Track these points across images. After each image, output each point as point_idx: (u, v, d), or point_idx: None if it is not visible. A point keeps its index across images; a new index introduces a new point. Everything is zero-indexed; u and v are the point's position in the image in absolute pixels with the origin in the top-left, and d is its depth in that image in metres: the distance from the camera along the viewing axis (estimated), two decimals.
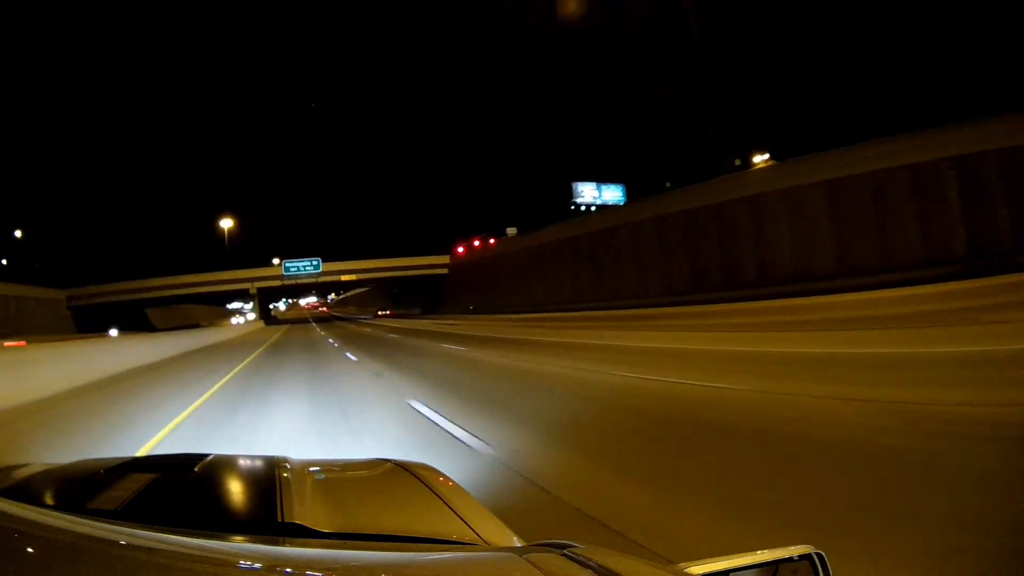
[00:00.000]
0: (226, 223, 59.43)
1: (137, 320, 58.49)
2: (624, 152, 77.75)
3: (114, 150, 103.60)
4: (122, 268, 59.83)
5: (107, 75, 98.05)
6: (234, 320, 54.58)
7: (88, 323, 52.07)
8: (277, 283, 56.67)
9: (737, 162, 42.53)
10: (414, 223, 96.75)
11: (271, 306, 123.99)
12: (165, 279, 55.65)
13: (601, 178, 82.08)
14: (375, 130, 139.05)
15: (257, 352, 18.84)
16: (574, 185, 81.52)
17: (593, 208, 65.54)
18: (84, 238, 78.63)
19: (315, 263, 55.63)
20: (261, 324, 53.34)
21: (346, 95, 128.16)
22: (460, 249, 59.05)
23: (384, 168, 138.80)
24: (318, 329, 39.39)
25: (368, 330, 32.86)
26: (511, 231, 58.83)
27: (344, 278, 57.75)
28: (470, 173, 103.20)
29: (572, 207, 74.55)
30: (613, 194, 78.82)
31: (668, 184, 44.89)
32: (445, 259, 58.68)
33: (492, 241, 57.30)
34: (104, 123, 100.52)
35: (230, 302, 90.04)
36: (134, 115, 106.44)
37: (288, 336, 31.18)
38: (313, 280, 56.65)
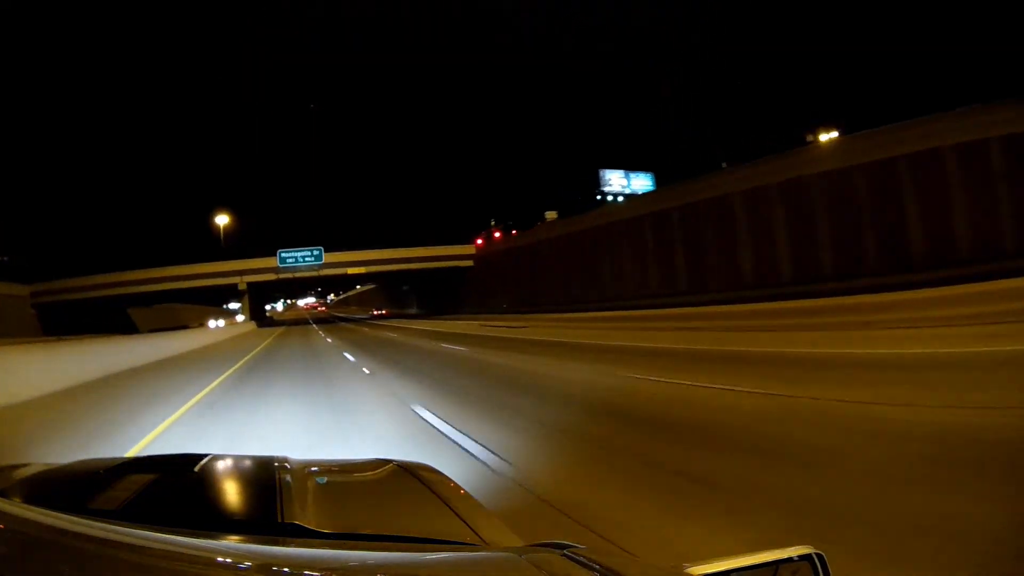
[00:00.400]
0: (222, 219, 50.17)
1: (119, 321, 49.94)
2: (652, 141, 70.95)
3: (97, 136, 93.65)
4: (103, 265, 50.60)
5: (90, 56, 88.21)
6: (212, 323, 43.80)
7: (59, 324, 43.94)
8: (272, 276, 47.11)
9: (810, 138, 35.12)
10: (427, 216, 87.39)
11: (268, 307, 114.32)
12: (139, 272, 46.37)
13: (629, 166, 75.18)
14: (386, 119, 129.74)
15: (213, 386, 9.60)
16: (601, 173, 74.39)
17: (620, 199, 57.93)
18: (60, 230, 69.53)
19: (316, 253, 46.18)
20: (253, 326, 44.07)
21: (355, 84, 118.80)
22: (479, 241, 50.05)
23: (395, 159, 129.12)
24: (320, 333, 30.04)
25: (393, 335, 23.51)
26: (551, 215, 50.14)
27: (351, 271, 48.16)
28: (488, 164, 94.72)
29: (599, 196, 67.04)
30: (642, 182, 71.80)
31: (724, 164, 35.85)
32: (469, 249, 49.28)
33: (513, 232, 49.07)
34: (86, 106, 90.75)
35: (228, 302, 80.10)
36: (120, 99, 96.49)
37: (282, 344, 21.86)
38: (314, 273, 47.10)
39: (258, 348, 19.35)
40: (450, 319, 37.70)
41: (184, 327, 42.59)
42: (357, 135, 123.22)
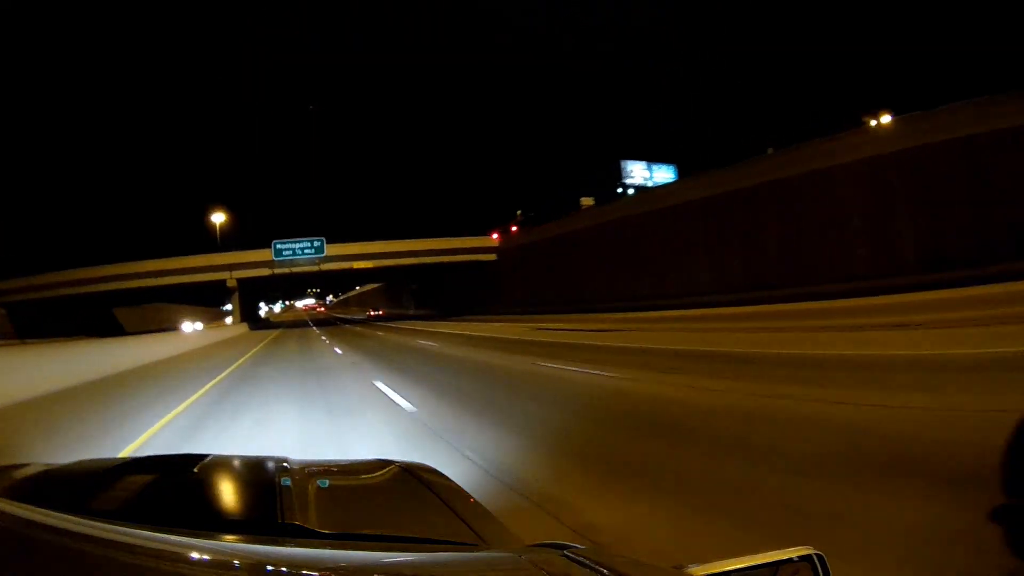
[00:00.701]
0: (217, 216, 43.24)
1: (104, 322, 44.42)
2: (674, 133, 66.25)
3: (78, 122, 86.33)
4: (81, 260, 44.03)
5: (72, 37, 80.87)
6: (188, 326, 36.10)
7: (35, 324, 38.90)
8: (266, 272, 40.17)
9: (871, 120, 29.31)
10: (438, 211, 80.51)
11: (264, 308, 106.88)
12: (115, 267, 39.75)
13: (650, 158, 72.10)
14: (392, 113, 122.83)
15: None
16: (622, 163, 70.48)
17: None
18: (34, 222, 62.71)
19: (317, 244, 39.22)
20: (244, 329, 37.37)
21: (361, 72, 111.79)
22: (494, 236, 43.42)
23: (404, 150, 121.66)
24: (323, 338, 23.39)
25: (429, 344, 16.79)
26: (587, 201, 44.36)
27: (356, 265, 41.16)
28: (504, 155, 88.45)
29: (620, 188, 63.26)
30: (665, 174, 68.18)
31: (770, 150, 29.79)
32: (491, 241, 42.46)
33: (518, 228, 43.54)
34: (66, 90, 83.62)
35: (225, 302, 72.80)
36: (104, 84, 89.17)
37: (271, 357, 15.24)
38: (314, 268, 40.17)
39: (233, 366, 12.66)
40: (477, 320, 31.08)
41: (167, 329, 35.94)
42: (362, 125, 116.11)
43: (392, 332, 25.69)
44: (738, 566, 0.70)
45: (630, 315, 22.75)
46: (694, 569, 0.70)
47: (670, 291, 25.80)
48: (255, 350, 17.79)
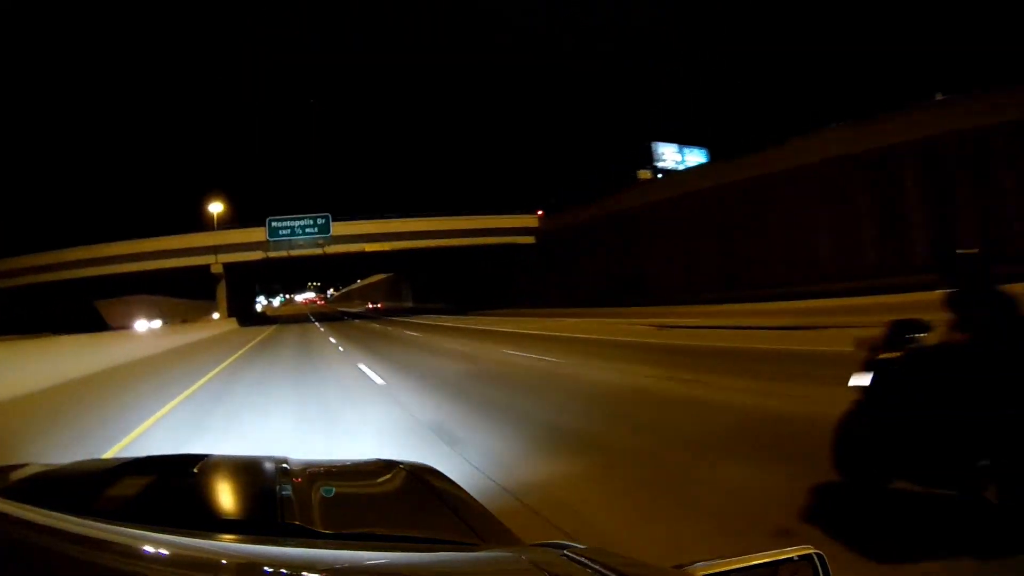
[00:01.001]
0: (211, 198, 35.44)
1: (88, 316, 38.57)
2: (705, 115, 59.26)
3: (60, 98, 77.71)
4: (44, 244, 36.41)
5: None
6: (142, 324, 27.49)
7: (14, 317, 32.13)
8: (259, 255, 32.28)
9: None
10: (455, 192, 72.25)
11: (264, 301, 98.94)
12: (79, 250, 32.09)
13: (682, 141, 65.18)
14: (402, 89, 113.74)
15: None
16: (653, 146, 62.77)
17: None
18: (18, 205, 54.60)
19: (320, 222, 31.31)
20: (233, 325, 29.76)
21: (371, 51, 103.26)
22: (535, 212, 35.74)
23: (417, 127, 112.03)
24: (332, 339, 15.83)
25: (587, 372, 9.02)
26: (644, 174, 37.06)
27: (369, 248, 33.25)
28: (524, 138, 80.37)
29: (650, 172, 56.24)
30: (697, 158, 61.11)
31: (835, 124, 22.16)
32: (529, 220, 34.65)
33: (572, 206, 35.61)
34: (48, 64, 75.14)
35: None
36: (88, 57, 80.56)
37: (226, 405, 7.44)
38: (318, 251, 32.29)
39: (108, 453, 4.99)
40: (521, 316, 23.56)
41: (123, 327, 28.04)
42: (369, 106, 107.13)
43: (426, 332, 18.06)
44: (738, 566, 0.68)
45: (780, 305, 15.20)
46: (694, 569, 0.68)
47: (826, 273, 18.09)
48: (215, 372, 10.14)
